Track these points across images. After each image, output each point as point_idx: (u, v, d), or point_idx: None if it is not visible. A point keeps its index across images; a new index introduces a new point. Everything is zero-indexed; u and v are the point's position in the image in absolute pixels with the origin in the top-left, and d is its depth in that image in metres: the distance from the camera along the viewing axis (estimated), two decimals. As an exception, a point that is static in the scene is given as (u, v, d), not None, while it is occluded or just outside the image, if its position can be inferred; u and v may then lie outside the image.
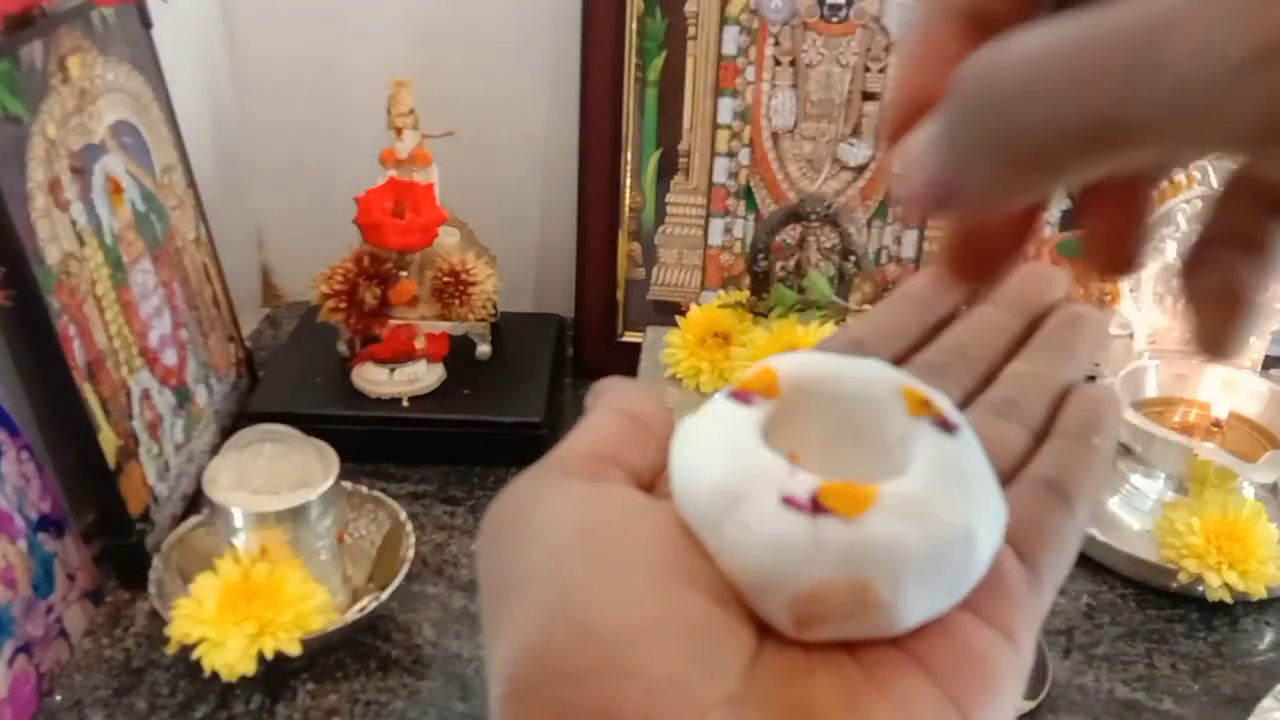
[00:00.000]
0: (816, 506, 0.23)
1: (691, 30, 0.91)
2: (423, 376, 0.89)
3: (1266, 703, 0.67)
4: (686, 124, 0.94)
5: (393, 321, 0.89)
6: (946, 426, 0.25)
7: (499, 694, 0.22)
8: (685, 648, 0.22)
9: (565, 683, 0.21)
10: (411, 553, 0.73)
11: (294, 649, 0.63)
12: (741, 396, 0.26)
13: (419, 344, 0.89)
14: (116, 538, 0.73)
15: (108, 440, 0.71)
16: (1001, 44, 0.19)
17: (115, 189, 0.76)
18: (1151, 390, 0.84)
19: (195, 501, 0.79)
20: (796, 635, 0.23)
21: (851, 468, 0.25)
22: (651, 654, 0.21)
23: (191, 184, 0.89)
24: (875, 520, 0.23)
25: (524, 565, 0.24)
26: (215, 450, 0.78)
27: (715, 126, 0.94)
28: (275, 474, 0.68)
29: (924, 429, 0.25)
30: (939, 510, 0.23)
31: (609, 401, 0.27)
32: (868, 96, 0.92)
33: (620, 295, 0.98)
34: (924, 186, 0.21)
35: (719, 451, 0.24)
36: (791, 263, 0.86)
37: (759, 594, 0.23)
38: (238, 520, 0.66)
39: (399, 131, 0.87)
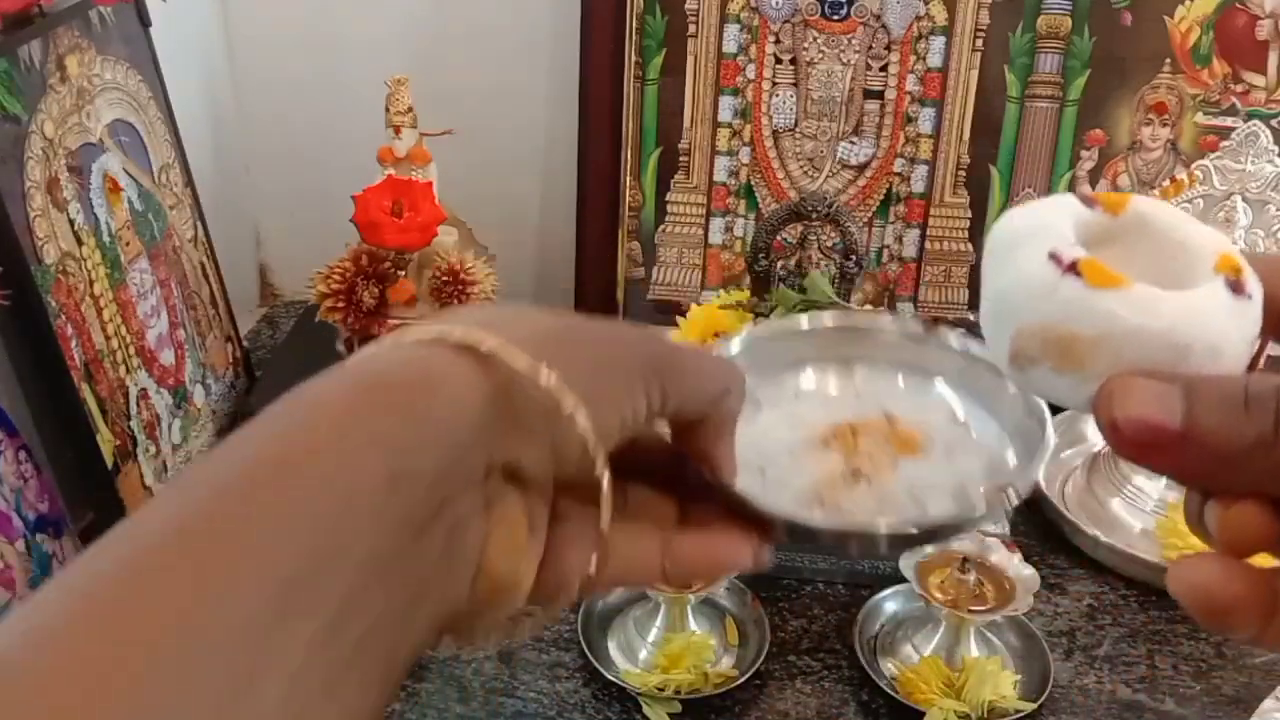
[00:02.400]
0: (1071, 268, 0.28)
1: (692, 28, 0.91)
2: (422, 376, 0.88)
3: (1268, 703, 0.66)
4: (687, 122, 0.94)
5: (391, 321, 0.88)
6: (1237, 289, 0.28)
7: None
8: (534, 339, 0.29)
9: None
10: (411, 553, 0.72)
11: (293, 650, 0.63)
12: (1089, 201, 0.30)
13: (418, 343, 0.88)
14: (114, 538, 0.73)
15: (105, 440, 0.70)
16: None
17: (113, 188, 0.76)
18: (1153, 390, 0.84)
19: (193, 502, 0.79)
20: (1009, 367, 0.29)
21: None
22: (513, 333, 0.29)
23: (189, 183, 0.89)
24: (1111, 298, 0.27)
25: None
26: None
27: (716, 125, 0.94)
28: (274, 475, 0.68)
29: (1218, 282, 0.28)
30: (1170, 319, 0.27)
31: None
32: (869, 94, 0.92)
33: (620, 295, 0.98)
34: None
35: (1039, 215, 0.30)
36: (792, 262, 0.86)
37: (996, 320, 0.29)
38: (236, 521, 0.66)
39: (397, 130, 0.87)
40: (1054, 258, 0.28)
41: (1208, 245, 0.30)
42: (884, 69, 0.91)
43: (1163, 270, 0.29)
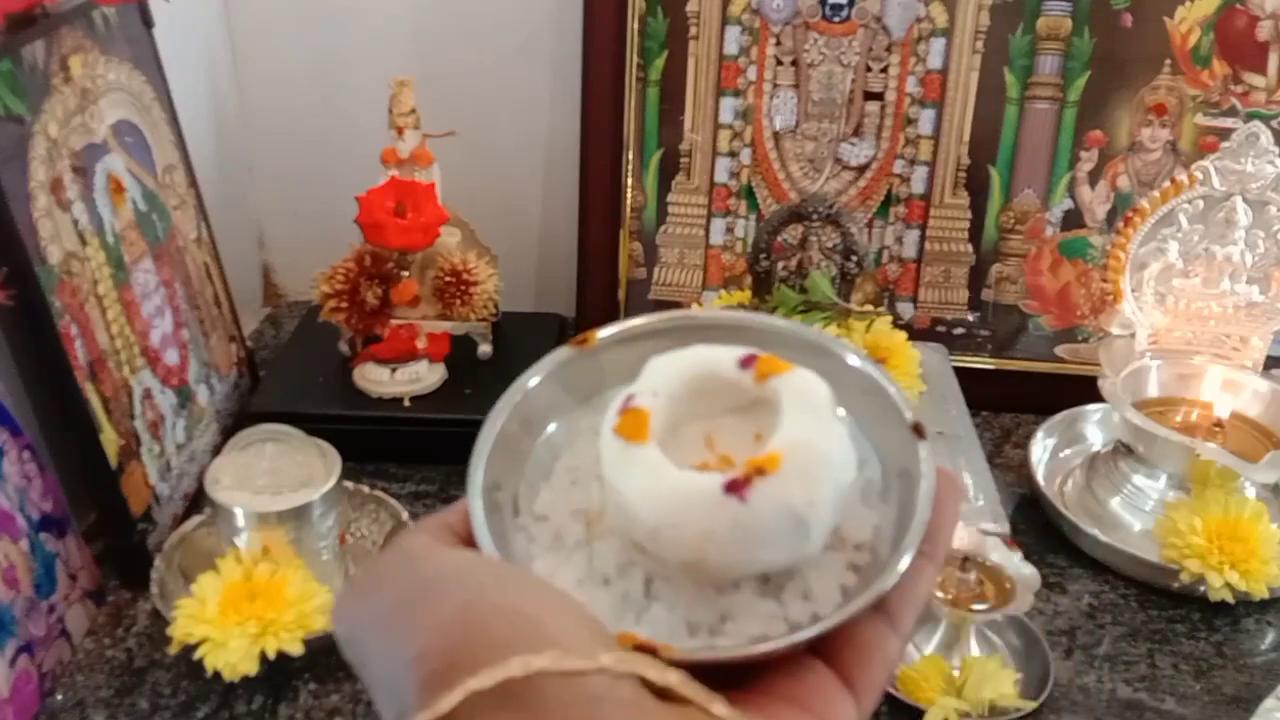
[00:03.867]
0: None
1: (693, 30, 0.91)
2: (424, 376, 0.89)
3: (1269, 702, 0.67)
4: (688, 124, 0.94)
5: (394, 321, 0.88)
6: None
7: (422, 677, 0.25)
8: (586, 626, 0.27)
9: (490, 649, 0.25)
10: (413, 552, 0.73)
11: (296, 649, 0.63)
12: (630, 432, 0.30)
13: (420, 344, 0.89)
14: (118, 537, 0.73)
15: (109, 440, 0.71)
16: None
17: (117, 188, 0.76)
18: (1153, 390, 0.84)
19: (197, 501, 0.79)
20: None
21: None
22: (561, 627, 0.26)
23: (193, 183, 0.89)
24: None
25: (430, 577, 0.28)
26: (217, 450, 0.78)
27: (717, 126, 0.94)
28: (277, 474, 0.69)
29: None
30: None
31: (424, 525, 0.33)
32: (869, 96, 0.92)
33: (622, 295, 0.98)
34: None
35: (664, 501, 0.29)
36: (793, 262, 0.86)
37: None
38: (240, 520, 0.66)
39: (400, 131, 0.87)
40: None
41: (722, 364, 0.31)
42: (884, 71, 0.92)
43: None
